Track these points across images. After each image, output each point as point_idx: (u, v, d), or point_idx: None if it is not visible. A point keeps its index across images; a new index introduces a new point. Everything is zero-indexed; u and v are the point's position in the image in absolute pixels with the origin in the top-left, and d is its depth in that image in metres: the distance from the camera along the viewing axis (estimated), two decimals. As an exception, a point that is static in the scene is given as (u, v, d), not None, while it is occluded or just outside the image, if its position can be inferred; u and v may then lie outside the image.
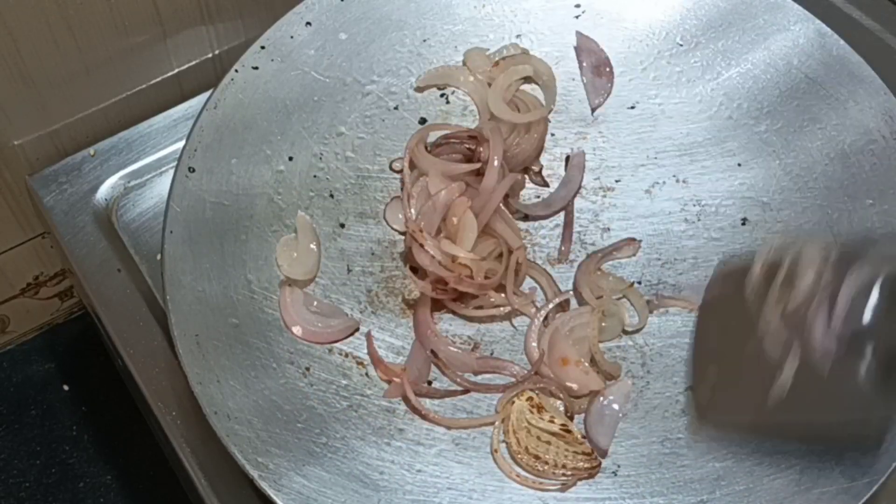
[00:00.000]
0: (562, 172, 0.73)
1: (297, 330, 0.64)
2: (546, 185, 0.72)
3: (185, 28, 0.78)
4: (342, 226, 0.70)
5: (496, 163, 0.67)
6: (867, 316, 0.53)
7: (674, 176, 0.72)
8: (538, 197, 0.72)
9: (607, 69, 0.75)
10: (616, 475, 0.60)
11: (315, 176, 0.70)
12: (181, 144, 0.67)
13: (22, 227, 0.85)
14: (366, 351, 0.65)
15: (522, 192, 0.72)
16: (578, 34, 0.76)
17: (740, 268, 0.61)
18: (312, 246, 0.68)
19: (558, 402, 0.63)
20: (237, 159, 0.68)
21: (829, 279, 0.55)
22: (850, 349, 0.53)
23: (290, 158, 0.70)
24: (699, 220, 0.70)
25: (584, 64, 0.76)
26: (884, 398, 0.54)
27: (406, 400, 0.62)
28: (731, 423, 0.60)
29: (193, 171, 0.66)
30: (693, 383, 0.63)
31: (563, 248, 0.70)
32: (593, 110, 0.75)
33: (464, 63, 0.75)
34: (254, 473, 0.56)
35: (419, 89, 0.74)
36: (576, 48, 0.76)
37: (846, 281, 0.54)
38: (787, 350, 0.55)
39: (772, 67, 0.73)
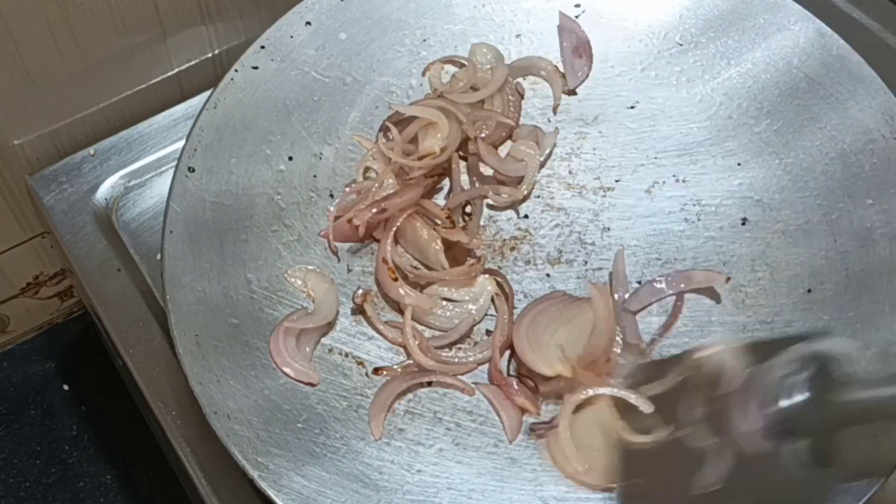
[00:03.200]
0: (563, 172, 0.73)
1: (289, 371, 0.62)
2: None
3: (185, 28, 0.78)
4: (342, 226, 0.70)
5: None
6: (793, 405, 0.54)
7: (674, 176, 0.72)
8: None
9: (587, 49, 0.75)
10: (616, 475, 0.60)
11: (315, 176, 0.70)
12: (181, 144, 0.67)
13: (22, 227, 0.85)
14: (366, 351, 0.65)
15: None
16: (562, 14, 0.76)
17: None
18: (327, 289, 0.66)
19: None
20: (237, 159, 0.68)
21: (750, 374, 0.56)
22: (777, 438, 0.54)
23: (290, 158, 0.70)
24: (699, 219, 0.70)
25: (565, 44, 0.76)
26: (814, 485, 0.55)
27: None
28: None
29: (193, 170, 0.66)
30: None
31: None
32: (572, 91, 0.75)
33: (469, 57, 0.75)
34: (254, 473, 0.56)
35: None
36: (558, 27, 0.76)
37: (768, 373, 0.55)
38: (710, 440, 0.56)
39: (772, 67, 0.73)
